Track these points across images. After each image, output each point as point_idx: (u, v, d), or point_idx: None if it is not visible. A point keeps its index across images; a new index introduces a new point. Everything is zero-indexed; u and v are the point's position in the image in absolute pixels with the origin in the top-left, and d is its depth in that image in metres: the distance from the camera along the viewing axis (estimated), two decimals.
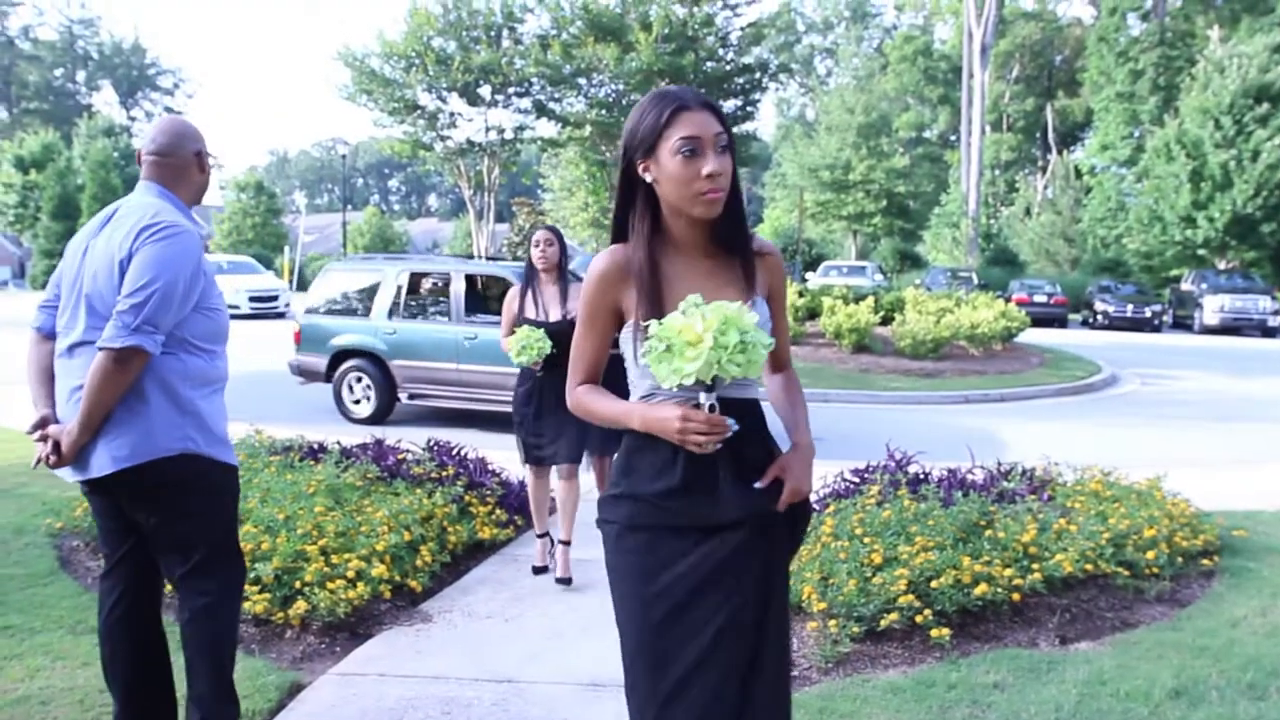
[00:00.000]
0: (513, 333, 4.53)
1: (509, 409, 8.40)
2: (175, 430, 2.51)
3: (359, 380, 9.13)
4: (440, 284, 9.24)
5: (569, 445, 4.47)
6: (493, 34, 24.26)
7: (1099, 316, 25.56)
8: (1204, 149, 29.13)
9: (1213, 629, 3.86)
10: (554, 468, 4.59)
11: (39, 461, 2.55)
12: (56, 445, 2.50)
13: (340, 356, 9.17)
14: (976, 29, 35.94)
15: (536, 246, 4.64)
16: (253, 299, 22.29)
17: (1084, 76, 47.09)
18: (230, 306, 17.04)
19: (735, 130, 26.20)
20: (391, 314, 9.03)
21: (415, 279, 9.28)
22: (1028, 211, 41.43)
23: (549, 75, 23.64)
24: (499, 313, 9.35)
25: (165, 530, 2.58)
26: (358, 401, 9.16)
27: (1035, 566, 4.00)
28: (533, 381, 4.62)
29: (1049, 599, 3.97)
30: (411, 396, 8.96)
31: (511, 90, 24.44)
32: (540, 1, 24.46)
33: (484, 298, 9.37)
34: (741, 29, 24.79)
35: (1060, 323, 25.15)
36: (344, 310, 9.40)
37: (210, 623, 2.62)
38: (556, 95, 24.78)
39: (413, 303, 9.24)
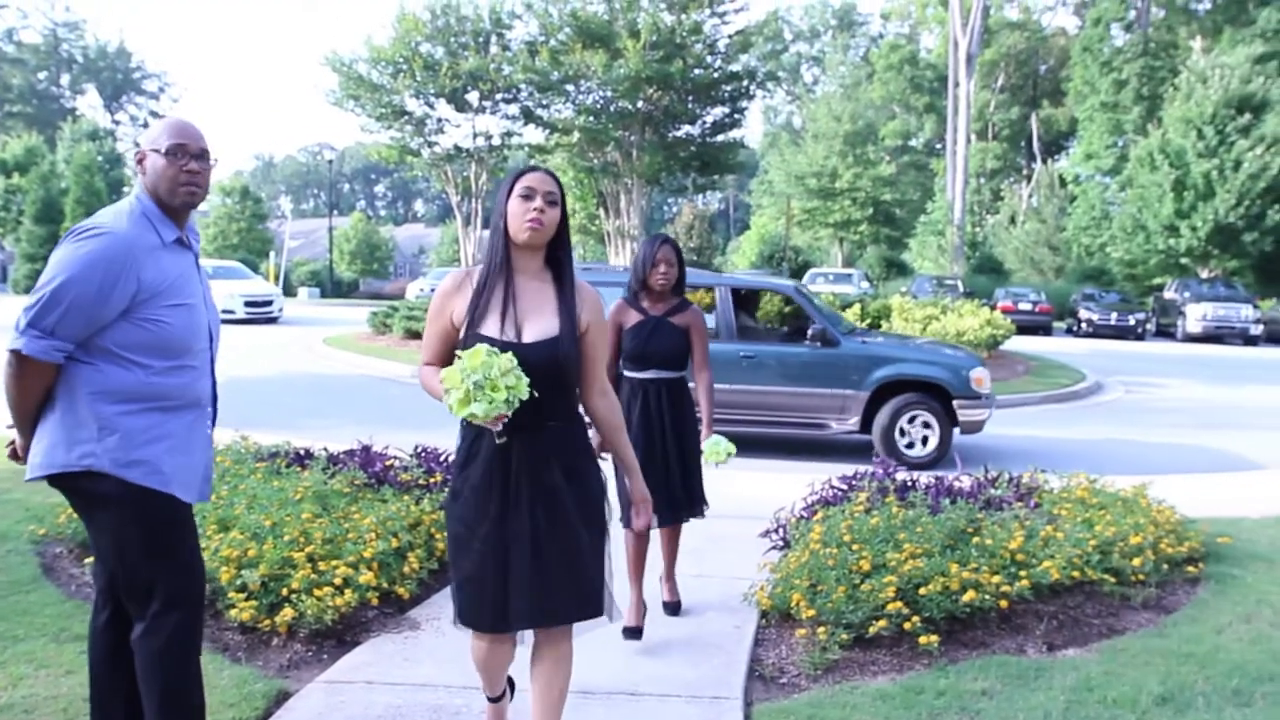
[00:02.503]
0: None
1: (785, 430, 8.30)
2: (79, 446, 2.36)
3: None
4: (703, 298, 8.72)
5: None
6: (481, 40, 24.27)
7: (1083, 324, 25.71)
8: (1187, 158, 29.39)
9: (1198, 635, 3.88)
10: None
11: (11, 456, 2.57)
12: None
13: None
14: (962, 38, 36.13)
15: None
16: (248, 304, 22.19)
17: (1068, 86, 47.48)
18: (225, 312, 17.27)
19: (722, 137, 26.36)
20: None
21: None
22: (1013, 220, 41.69)
23: (537, 81, 23.66)
24: (770, 328, 9.23)
25: (97, 542, 2.53)
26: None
27: (1023, 573, 4.02)
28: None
29: (1036, 606, 3.98)
30: None
31: (499, 96, 24.45)
32: (528, 8, 24.48)
33: (753, 312, 8.91)
34: (729, 37, 24.88)
35: (1045, 331, 25.29)
36: None
37: (140, 650, 2.48)
38: (544, 101, 24.81)
39: None
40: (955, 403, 8.00)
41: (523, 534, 2.44)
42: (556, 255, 2.54)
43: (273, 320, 22.56)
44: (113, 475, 2.37)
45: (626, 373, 3.99)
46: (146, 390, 2.41)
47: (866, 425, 8.10)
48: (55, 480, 2.43)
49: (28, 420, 2.43)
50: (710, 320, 8.28)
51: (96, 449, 2.37)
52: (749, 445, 7.49)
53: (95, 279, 2.31)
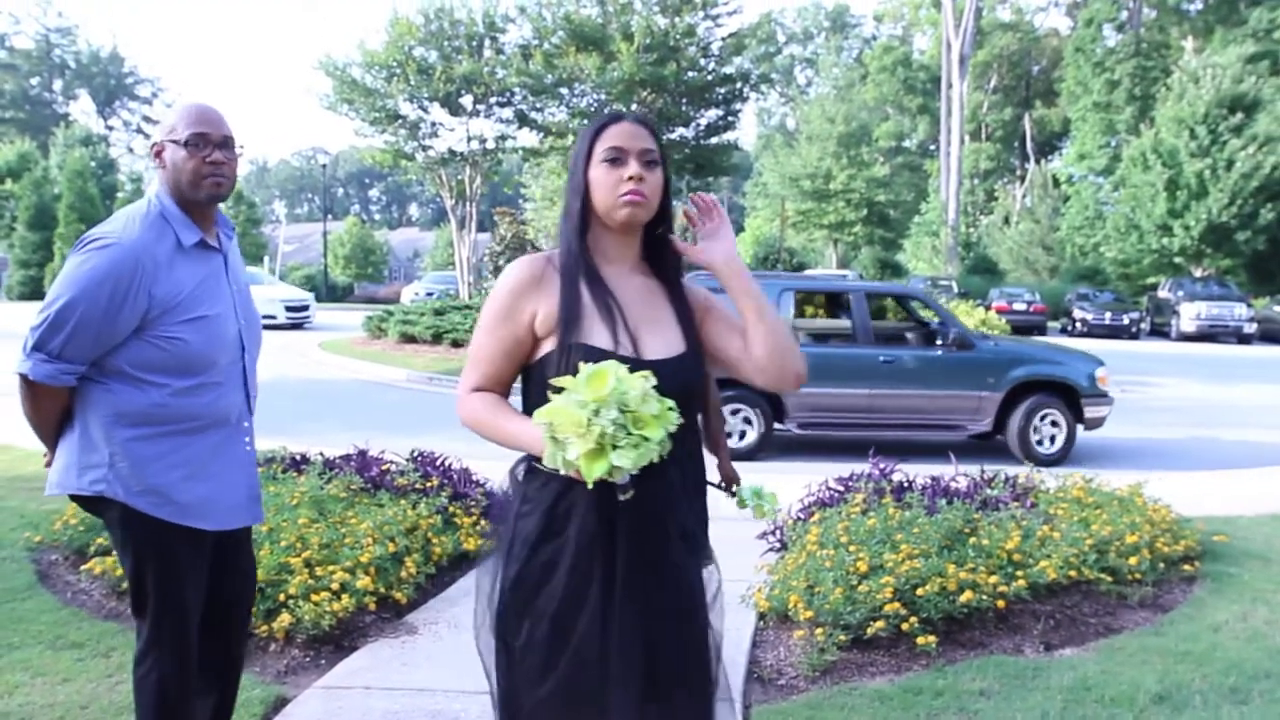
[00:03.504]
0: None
1: (920, 433, 8.41)
2: (90, 471, 2.25)
3: (735, 412, 8.22)
4: (836, 303, 8.94)
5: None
6: (474, 44, 24.24)
7: (1077, 324, 25.77)
8: (1179, 158, 29.49)
9: (1195, 634, 3.88)
10: None
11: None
12: None
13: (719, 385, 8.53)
14: (955, 39, 36.23)
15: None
16: (289, 309, 22.42)
17: (1061, 86, 47.60)
18: (268, 317, 17.25)
19: (716, 140, 26.36)
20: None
21: (804, 298, 8.94)
22: (1006, 220, 41.79)
23: (531, 85, 23.63)
24: (901, 332, 9.07)
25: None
26: (729, 435, 8.16)
27: (1019, 573, 4.02)
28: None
29: (1033, 605, 3.99)
30: (803, 425, 8.36)
31: (493, 100, 24.41)
32: (522, 11, 24.47)
33: (883, 317, 9.17)
34: (723, 39, 24.89)
35: (1039, 330, 25.34)
36: None
37: (135, 670, 2.39)
38: (538, 105, 24.78)
39: (803, 325, 8.90)
40: (1083, 401, 8.35)
41: (633, 639, 1.71)
42: (657, 237, 1.90)
43: (299, 326, 22.83)
44: (122, 503, 2.25)
45: None
46: (163, 413, 2.25)
47: (998, 425, 8.38)
48: (71, 497, 2.36)
49: (49, 439, 2.34)
50: (847, 325, 8.65)
51: (108, 474, 2.24)
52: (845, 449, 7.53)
53: (102, 297, 2.14)
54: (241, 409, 2.43)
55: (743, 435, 8.26)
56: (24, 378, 2.21)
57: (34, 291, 38.77)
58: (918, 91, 54.58)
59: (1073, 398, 8.37)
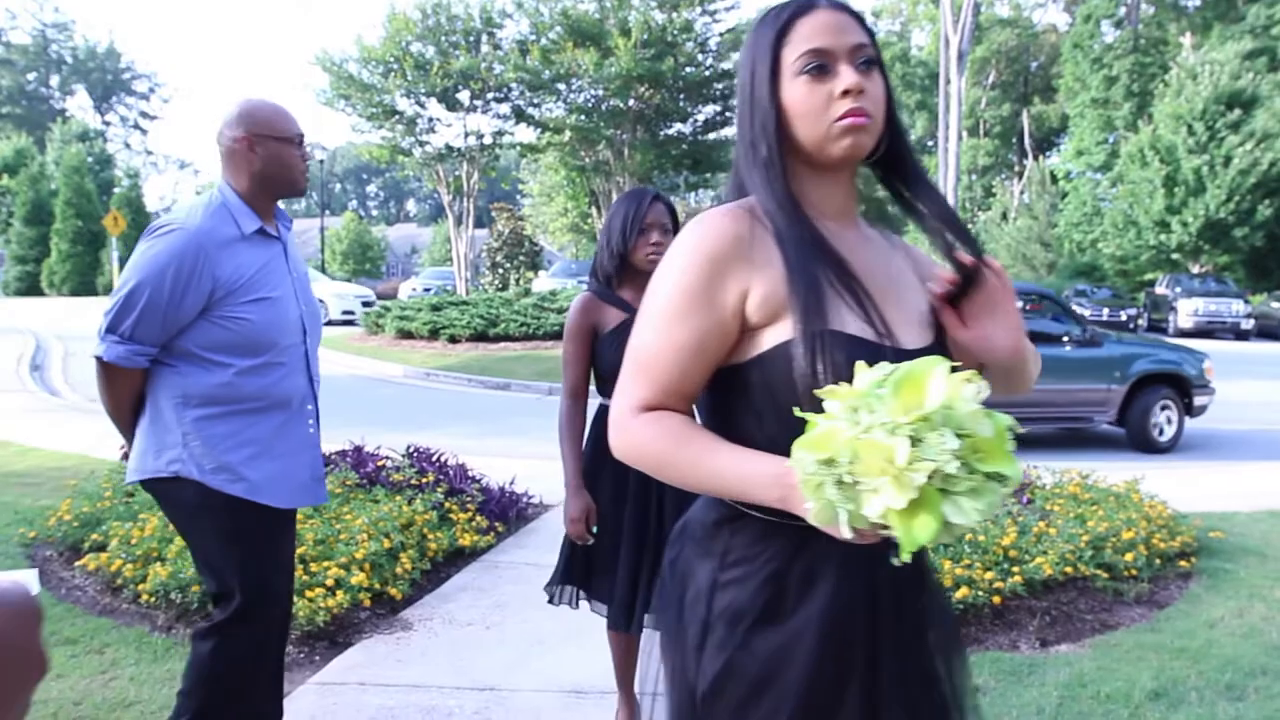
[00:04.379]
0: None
1: (1053, 425, 8.96)
2: (167, 451, 2.33)
3: None
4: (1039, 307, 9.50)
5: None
6: (471, 39, 24.22)
7: None
8: (1177, 154, 29.48)
9: (1191, 630, 3.88)
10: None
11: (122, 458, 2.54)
12: None
13: None
14: (953, 35, 36.17)
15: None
16: (365, 304, 22.30)
17: (1059, 83, 47.56)
18: (346, 313, 17.53)
19: (713, 136, 26.31)
20: None
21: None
22: (1004, 216, 41.75)
23: (528, 80, 23.62)
24: (1041, 331, 9.28)
25: (187, 547, 2.53)
26: None
27: (1015, 569, 4.02)
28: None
29: (1029, 602, 3.99)
30: None
31: (490, 95, 24.40)
32: (519, 7, 24.45)
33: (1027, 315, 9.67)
34: (720, 35, 24.89)
35: None
36: None
37: (194, 648, 2.43)
38: (535, 100, 24.78)
39: None
40: (1194, 391, 8.95)
41: None
42: (890, 172, 1.38)
43: (351, 322, 22.88)
44: (198, 482, 2.32)
45: (608, 402, 2.52)
46: (229, 393, 2.33)
47: (1120, 417, 8.92)
48: (146, 485, 2.40)
49: (125, 425, 2.41)
50: None
51: (183, 454, 2.32)
52: None
53: (167, 279, 2.24)
54: (305, 392, 2.51)
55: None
56: (100, 360, 2.31)
57: (30, 287, 38.71)
58: (916, 87, 54.53)
59: (1184, 388, 8.94)
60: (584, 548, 2.77)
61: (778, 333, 1.20)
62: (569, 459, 2.73)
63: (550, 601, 2.96)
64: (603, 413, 2.71)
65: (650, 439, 1.22)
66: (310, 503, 2.55)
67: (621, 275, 2.71)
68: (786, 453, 1.06)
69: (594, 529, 2.70)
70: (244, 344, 2.33)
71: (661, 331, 1.23)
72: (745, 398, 1.24)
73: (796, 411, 1.06)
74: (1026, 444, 6.35)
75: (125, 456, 2.49)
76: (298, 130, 2.44)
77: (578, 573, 2.86)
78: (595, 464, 2.73)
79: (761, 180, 1.29)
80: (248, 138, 2.37)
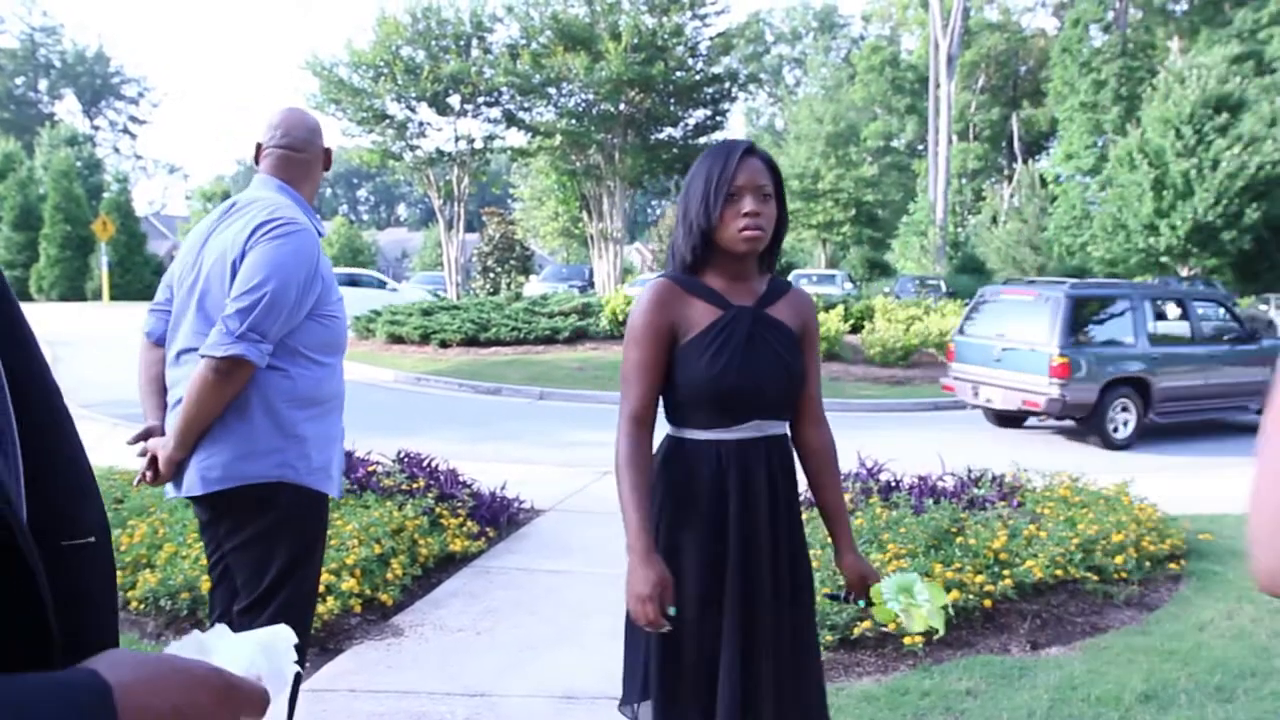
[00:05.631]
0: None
1: (1215, 414, 9.88)
2: (273, 455, 2.26)
3: (1123, 409, 9.31)
4: (1178, 308, 10.19)
5: None
6: (462, 43, 24.19)
7: None
8: (1165, 158, 29.61)
9: (1180, 632, 3.90)
10: None
11: (140, 480, 2.36)
12: (154, 460, 2.32)
13: (1109, 386, 9.23)
14: (942, 40, 36.32)
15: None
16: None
17: (1048, 87, 47.76)
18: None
19: (704, 139, 26.35)
20: (1152, 340, 9.56)
21: (1157, 306, 10.00)
22: (994, 220, 41.86)
23: (518, 85, 23.60)
24: (1218, 330, 10.63)
25: (244, 555, 2.34)
26: (1115, 430, 9.28)
27: (1006, 573, 4.03)
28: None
29: (1020, 605, 4.00)
30: (1160, 415, 9.52)
31: (481, 100, 24.36)
32: (510, 11, 24.44)
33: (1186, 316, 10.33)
34: (710, 39, 24.91)
35: None
36: (1107, 341, 9.54)
37: None
38: (526, 105, 24.75)
39: (1160, 326, 9.93)
40: None
41: None
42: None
43: None
44: (299, 485, 2.29)
45: (686, 432, 1.98)
46: (323, 392, 2.35)
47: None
48: (226, 493, 2.26)
49: (204, 431, 2.27)
50: (1184, 329, 9.96)
51: (291, 459, 2.28)
52: None
53: (300, 278, 2.25)
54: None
55: (1125, 424, 9.37)
56: (236, 360, 2.18)
57: (19, 292, 38.47)
58: (906, 91, 54.68)
59: None
60: (663, 640, 1.91)
61: None
62: (631, 509, 1.86)
63: None
64: (674, 447, 2.00)
65: None
66: (337, 495, 2.55)
67: (707, 258, 1.99)
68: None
69: (671, 610, 1.82)
70: (335, 342, 2.39)
71: None
72: None
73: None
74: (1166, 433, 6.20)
75: (154, 479, 2.35)
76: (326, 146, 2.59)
77: (666, 680, 1.93)
78: (675, 516, 1.97)
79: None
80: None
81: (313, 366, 2.33)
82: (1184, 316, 10.00)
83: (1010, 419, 10.25)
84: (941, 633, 2.01)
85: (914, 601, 1.90)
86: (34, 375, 0.73)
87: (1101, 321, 9.62)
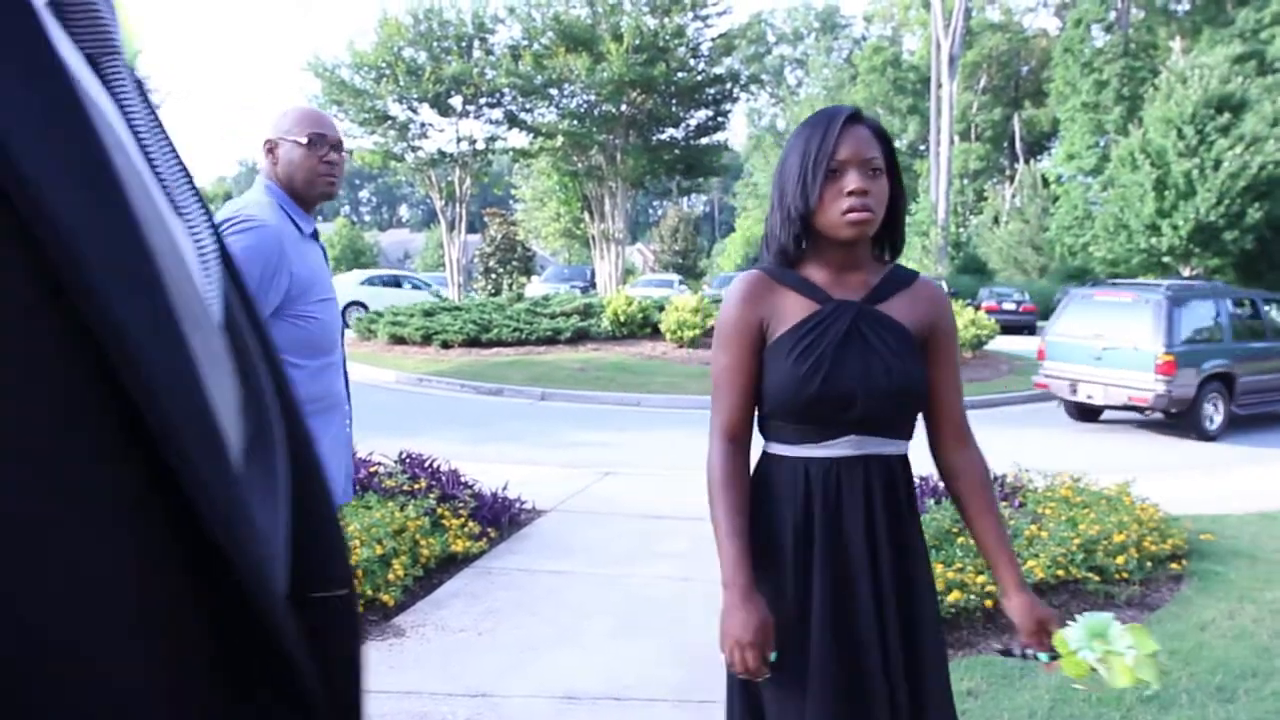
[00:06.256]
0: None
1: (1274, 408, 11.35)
2: None
3: (1214, 403, 9.85)
4: (1254, 309, 10.79)
5: None
6: (464, 44, 24.21)
7: None
8: (1167, 158, 29.60)
9: (1182, 632, 3.90)
10: None
11: None
12: None
13: (1204, 381, 9.75)
14: (944, 40, 36.30)
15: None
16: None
17: (1050, 87, 47.74)
18: None
19: (706, 140, 26.35)
20: (1234, 336, 10.16)
21: (1237, 307, 10.51)
22: (996, 220, 41.89)
23: (520, 86, 23.62)
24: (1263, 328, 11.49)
25: None
26: (1209, 422, 9.80)
27: None
28: None
29: None
30: (1239, 407, 10.02)
31: (483, 101, 24.38)
32: (511, 12, 24.45)
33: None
34: (712, 40, 24.92)
35: (1029, 330, 25.44)
36: (1204, 339, 10.02)
37: None
38: (528, 106, 24.77)
39: (1241, 326, 10.50)
40: None
41: None
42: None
43: None
44: None
45: (773, 447, 1.72)
46: (301, 395, 2.31)
47: None
48: None
49: None
50: (1259, 327, 10.63)
51: None
52: None
53: (254, 275, 2.22)
54: (343, 391, 2.55)
55: (1216, 417, 9.85)
56: None
57: None
58: (907, 92, 54.67)
59: None
60: (767, 690, 1.69)
61: None
62: (726, 538, 1.62)
63: None
64: (759, 466, 1.75)
65: None
66: (344, 500, 2.55)
67: (807, 246, 1.69)
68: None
69: (772, 656, 1.60)
70: (313, 343, 2.35)
71: None
72: None
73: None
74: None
75: None
76: (314, 131, 2.44)
77: None
78: (773, 545, 1.67)
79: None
80: (272, 141, 2.45)
81: (286, 368, 2.29)
82: (1255, 315, 10.68)
83: (1089, 413, 10.68)
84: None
85: (1113, 649, 1.55)
86: (293, 409, 0.61)
87: (1194, 321, 9.96)
